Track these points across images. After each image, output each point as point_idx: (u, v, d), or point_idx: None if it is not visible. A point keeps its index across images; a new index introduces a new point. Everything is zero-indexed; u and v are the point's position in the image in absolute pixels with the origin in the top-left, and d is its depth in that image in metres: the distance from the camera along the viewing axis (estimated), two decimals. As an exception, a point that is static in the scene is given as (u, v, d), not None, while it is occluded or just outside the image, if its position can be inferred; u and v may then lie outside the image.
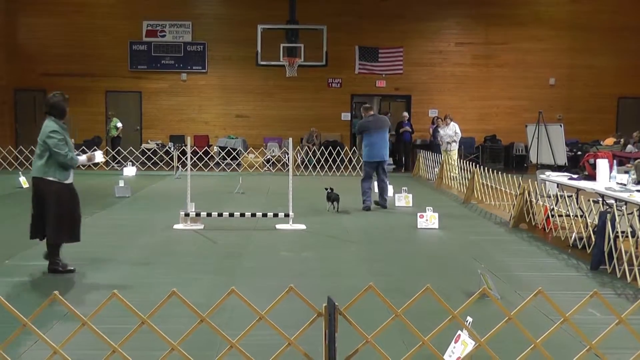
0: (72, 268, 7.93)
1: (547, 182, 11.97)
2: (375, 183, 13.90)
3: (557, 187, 11.33)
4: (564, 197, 10.61)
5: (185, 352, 3.87)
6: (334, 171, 21.22)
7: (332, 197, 13.22)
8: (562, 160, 17.62)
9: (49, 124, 7.80)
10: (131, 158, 21.79)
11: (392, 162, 14.00)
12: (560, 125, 18.29)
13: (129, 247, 9.62)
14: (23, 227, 11.13)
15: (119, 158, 22.20)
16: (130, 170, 20.65)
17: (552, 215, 10.93)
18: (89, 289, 7.29)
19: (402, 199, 13.97)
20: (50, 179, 7.71)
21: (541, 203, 11.55)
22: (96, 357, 4.03)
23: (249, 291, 6.83)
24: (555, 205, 11.00)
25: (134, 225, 11.37)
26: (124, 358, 3.86)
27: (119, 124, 23.40)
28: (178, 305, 4.52)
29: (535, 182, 12.03)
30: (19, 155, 21.61)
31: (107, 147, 23.21)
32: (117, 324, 5.42)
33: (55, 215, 7.71)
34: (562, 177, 10.91)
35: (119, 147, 22.61)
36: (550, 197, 11.35)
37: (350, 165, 21.55)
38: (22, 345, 5.18)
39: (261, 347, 5.04)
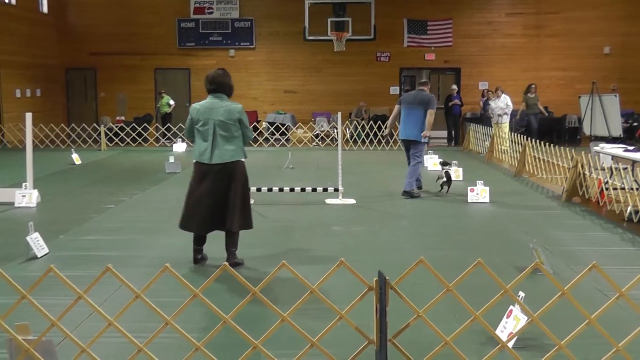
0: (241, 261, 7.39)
1: (601, 154, 11.78)
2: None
3: (612, 159, 11.14)
4: (619, 170, 10.42)
5: (236, 324, 3.90)
6: (383, 146, 21.12)
7: (447, 177, 12.33)
8: (617, 131, 17.28)
9: (231, 103, 7.16)
10: (181, 134, 21.93)
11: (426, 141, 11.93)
12: (615, 96, 17.91)
13: (181, 222, 9.70)
14: (77, 203, 11.40)
15: (169, 135, 22.38)
16: (180, 147, 20.81)
17: (607, 188, 10.72)
18: (140, 263, 7.39)
19: (453, 173, 13.85)
20: (243, 160, 7.21)
21: (595, 176, 11.35)
22: (149, 330, 4.08)
23: (299, 265, 6.88)
24: (610, 177, 10.81)
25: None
26: (177, 330, 3.90)
27: (172, 102, 23.56)
28: (229, 279, 4.56)
29: (589, 155, 11.82)
30: (71, 133, 21.91)
31: (157, 124, 23.40)
32: (169, 297, 5.50)
33: (244, 199, 7.23)
34: (617, 149, 10.72)
35: (169, 124, 22.79)
36: (604, 169, 11.15)
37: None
38: (78, 317, 5.28)
39: (312, 321, 5.06)
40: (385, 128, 12.70)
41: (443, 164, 12.77)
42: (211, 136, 7.05)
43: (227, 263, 3.90)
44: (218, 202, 7.08)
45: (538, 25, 25.85)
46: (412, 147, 12.04)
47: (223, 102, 7.13)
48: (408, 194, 11.87)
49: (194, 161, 7.28)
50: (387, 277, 3.78)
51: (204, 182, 7.13)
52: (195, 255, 7.39)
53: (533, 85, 21.92)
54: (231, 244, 7.28)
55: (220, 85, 7.18)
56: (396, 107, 12.33)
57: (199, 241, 7.40)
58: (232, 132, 7.08)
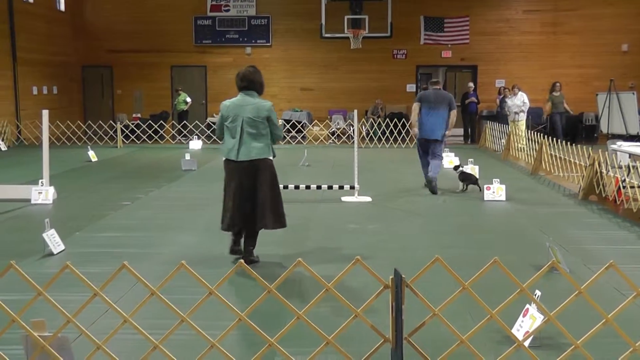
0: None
1: (618, 153, 11.70)
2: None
3: (629, 157, 11.05)
4: (636, 168, 10.34)
5: (252, 322, 3.90)
6: (399, 143, 21.09)
7: (465, 177, 12.32)
8: (634, 129, 17.21)
9: (260, 100, 7.16)
10: (197, 132, 22.00)
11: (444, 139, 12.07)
12: (633, 93, 17.81)
13: (196, 219, 9.73)
14: (93, 200, 11.44)
15: (185, 132, 22.43)
16: (196, 144, 20.87)
17: (624, 187, 10.65)
18: (156, 260, 7.40)
19: (469, 171, 13.80)
20: (271, 157, 7.17)
21: (612, 174, 11.27)
22: (165, 327, 4.09)
23: (315, 263, 6.88)
24: (627, 176, 10.73)
25: (201, 198, 11.50)
26: (192, 327, 3.91)
27: (188, 99, 23.62)
28: (245, 277, 4.57)
29: (606, 153, 11.74)
30: (87, 130, 22.01)
31: (174, 122, 23.47)
32: (185, 294, 5.51)
33: (274, 198, 7.18)
34: (635, 147, 10.63)
35: (185, 121, 22.84)
36: (621, 167, 11.07)
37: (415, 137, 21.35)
38: (94, 313, 5.30)
39: (328, 319, 5.06)
40: (411, 127, 12.63)
41: (455, 169, 12.71)
42: (239, 133, 7.04)
43: (242, 261, 3.90)
44: (246, 200, 7.07)
45: (555, 23, 25.71)
46: (434, 145, 12.11)
47: (253, 99, 7.14)
48: (432, 184, 11.99)
49: (224, 158, 7.26)
50: (403, 275, 3.77)
51: (232, 179, 7.12)
52: (232, 245, 7.34)
53: (558, 84, 21.56)
54: (250, 242, 7.28)
55: (251, 83, 7.20)
56: (416, 105, 12.24)
57: (238, 237, 7.35)
58: (260, 129, 7.06)
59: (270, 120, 7.09)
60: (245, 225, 7.18)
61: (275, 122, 7.15)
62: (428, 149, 12.23)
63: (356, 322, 4.00)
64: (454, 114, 12.01)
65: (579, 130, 24.18)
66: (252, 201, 7.07)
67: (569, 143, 13.78)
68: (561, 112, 21.37)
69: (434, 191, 11.97)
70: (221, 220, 7.29)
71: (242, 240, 7.34)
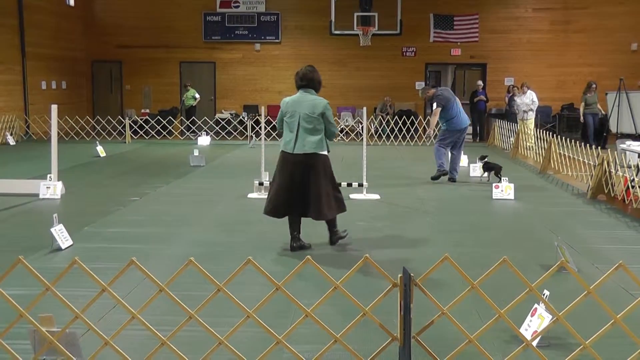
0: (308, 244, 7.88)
1: (627, 152, 11.66)
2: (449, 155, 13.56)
3: (639, 156, 11.01)
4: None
5: (260, 319, 3.90)
6: (408, 141, 21.06)
7: (489, 167, 13.09)
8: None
9: (317, 98, 7.62)
10: (205, 128, 22.01)
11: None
12: (643, 93, 17.72)
13: (204, 215, 9.75)
14: (101, 195, 11.46)
15: (194, 128, 22.45)
16: (204, 140, 20.89)
17: (633, 186, 10.61)
18: (165, 256, 7.41)
19: (477, 169, 13.78)
20: (325, 152, 7.62)
21: (621, 173, 11.23)
22: (173, 323, 4.09)
23: (324, 260, 6.87)
24: (636, 175, 10.69)
25: (209, 194, 11.51)
26: (200, 324, 3.91)
27: (197, 95, 23.64)
28: (253, 273, 4.56)
29: (615, 152, 11.70)
30: (96, 125, 22.04)
31: (182, 117, 23.49)
32: (194, 290, 5.51)
33: (327, 189, 7.61)
34: (644, 147, 10.60)
35: (193, 117, 22.87)
36: (630, 167, 11.03)
37: (424, 134, 21.32)
38: (102, 309, 5.31)
39: (336, 317, 5.06)
40: (429, 127, 13.63)
41: (481, 159, 13.47)
42: (296, 128, 7.54)
43: (250, 257, 3.90)
44: (297, 190, 7.51)
45: (565, 21, 25.63)
46: (464, 134, 13.43)
47: (310, 97, 7.63)
48: (454, 175, 13.23)
49: (280, 150, 7.69)
50: (411, 274, 3.76)
51: (286, 170, 7.58)
52: (292, 242, 7.72)
53: (594, 84, 20.53)
54: (329, 225, 7.90)
55: (310, 81, 7.71)
56: (438, 110, 13.01)
57: (293, 227, 7.74)
58: (315, 125, 7.51)
59: (325, 117, 7.55)
60: (290, 212, 7.66)
61: (330, 119, 7.61)
62: (459, 139, 13.22)
63: (364, 320, 3.99)
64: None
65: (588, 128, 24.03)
66: (302, 192, 7.51)
67: (573, 141, 13.72)
68: (594, 113, 20.46)
69: (454, 179, 13.19)
70: (265, 204, 7.83)
71: (300, 235, 7.78)
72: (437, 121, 13.26)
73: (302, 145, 7.49)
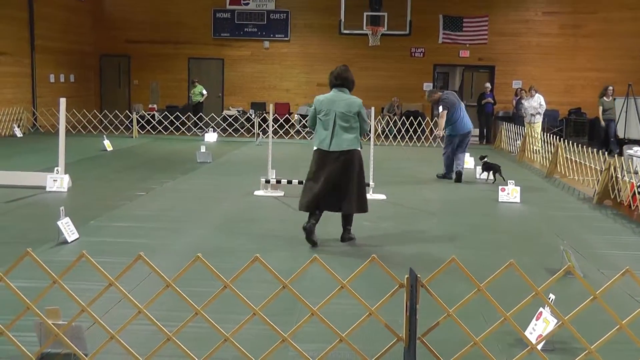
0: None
1: (634, 158, 11.64)
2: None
3: (646, 163, 10.99)
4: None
5: (265, 317, 3.91)
6: (415, 141, 21.05)
7: (489, 167, 13.31)
8: (652, 135, 17.08)
9: (351, 97, 7.86)
10: (212, 124, 22.03)
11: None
12: (652, 98, 17.66)
13: (211, 211, 9.76)
14: (108, 189, 11.49)
15: (201, 124, 22.47)
16: (211, 137, 20.90)
17: (639, 192, 10.60)
18: (172, 252, 7.42)
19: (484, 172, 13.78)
20: (359, 149, 7.84)
21: (627, 179, 11.22)
22: (179, 319, 4.10)
23: (330, 259, 6.88)
24: (643, 181, 10.67)
25: (215, 191, 11.52)
26: (206, 320, 3.92)
27: (204, 91, 23.65)
28: (259, 271, 4.57)
29: (622, 158, 11.67)
30: (103, 119, 22.06)
31: (189, 113, 23.52)
32: (200, 287, 5.53)
33: (360, 185, 7.86)
34: (652, 153, 10.57)
35: (200, 113, 22.88)
36: (637, 173, 11.01)
37: (431, 135, 21.28)
38: (108, 303, 5.32)
39: (342, 316, 5.06)
40: (437, 128, 13.99)
41: (481, 158, 13.57)
42: (332, 126, 7.72)
43: (258, 255, 3.91)
44: (333, 186, 7.70)
45: (574, 25, 25.58)
46: (469, 136, 13.58)
47: (345, 96, 7.83)
48: (461, 175, 13.32)
49: (315, 148, 7.87)
50: (418, 275, 3.77)
51: (322, 167, 7.74)
52: (307, 223, 7.80)
53: (611, 88, 20.07)
54: (347, 222, 8.09)
55: (345, 80, 7.92)
56: (445, 112, 13.27)
57: (315, 217, 7.84)
58: (350, 123, 7.72)
59: (360, 115, 7.78)
60: (328, 208, 7.87)
61: (364, 117, 7.87)
62: (462, 142, 13.41)
63: (370, 320, 4.00)
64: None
65: (595, 133, 23.99)
66: (338, 188, 7.70)
67: (581, 145, 13.70)
68: (611, 119, 20.04)
69: (461, 180, 13.27)
70: (299, 202, 7.99)
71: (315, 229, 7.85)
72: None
73: (339, 143, 7.66)
